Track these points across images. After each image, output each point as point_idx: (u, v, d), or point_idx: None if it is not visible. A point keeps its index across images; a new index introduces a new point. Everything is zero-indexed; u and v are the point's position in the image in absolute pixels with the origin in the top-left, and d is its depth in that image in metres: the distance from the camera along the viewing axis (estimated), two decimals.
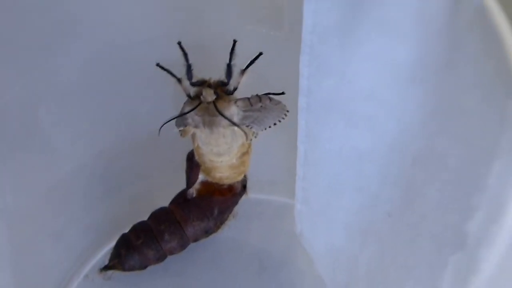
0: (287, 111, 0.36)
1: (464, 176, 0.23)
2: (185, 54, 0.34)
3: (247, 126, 0.36)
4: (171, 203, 0.41)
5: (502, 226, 0.20)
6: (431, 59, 0.25)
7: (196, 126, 0.35)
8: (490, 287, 0.21)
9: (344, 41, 0.29)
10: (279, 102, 0.36)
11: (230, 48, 0.34)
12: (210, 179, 0.39)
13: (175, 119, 0.36)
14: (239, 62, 0.34)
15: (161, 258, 0.41)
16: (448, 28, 0.24)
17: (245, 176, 0.40)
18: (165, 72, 0.35)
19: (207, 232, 0.41)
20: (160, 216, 0.41)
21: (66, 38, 0.36)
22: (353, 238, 0.35)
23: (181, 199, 0.41)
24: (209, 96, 0.34)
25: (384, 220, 0.31)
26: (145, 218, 0.41)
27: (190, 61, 0.34)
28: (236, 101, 0.35)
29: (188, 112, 0.35)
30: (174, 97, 0.36)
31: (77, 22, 0.36)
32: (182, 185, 0.41)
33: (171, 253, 0.41)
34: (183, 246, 0.41)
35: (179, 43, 0.34)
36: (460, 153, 0.24)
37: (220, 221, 0.41)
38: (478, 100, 0.22)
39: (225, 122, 0.35)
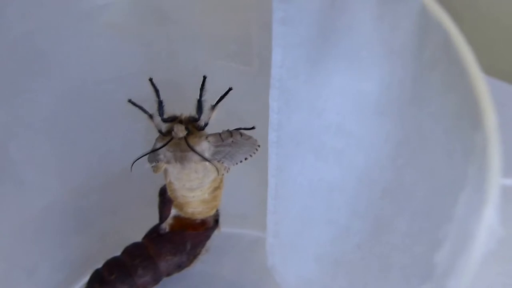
0: (258, 145, 0.37)
1: (431, 207, 0.24)
2: (156, 91, 0.35)
3: (219, 161, 0.36)
4: (144, 238, 0.41)
5: (469, 256, 0.20)
6: (397, 92, 0.26)
7: (168, 162, 0.36)
8: None
9: (313, 75, 0.29)
10: (250, 137, 0.37)
11: (200, 84, 0.35)
12: (182, 214, 0.40)
13: (148, 155, 0.36)
14: (210, 97, 0.35)
15: None
16: (413, 61, 0.24)
17: (217, 211, 0.41)
18: (136, 108, 0.35)
19: (180, 266, 0.41)
20: (133, 251, 0.41)
21: (36, 74, 0.36)
22: (325, 270, 0.35)
23: (154, 234, 0.41)
24: (180, 132, 0.35)
25: (354, 252, 0.32)
26: (118, 253, 0.41)
27: (162, 97, 0.35)
28: (207, 136, 0.36)
29: (159, 148, 0.35)
30: (146, 133, 0.37)
31: (47, 58, 0.36)
32: (155, 220, 0.41)
33: (145, 287, 0.41)
34: (156, 280, 0.41)
35: (151, 80, 0.35)
36: (427, 184, 0.24)
37: (193, 256, 0.41)
38: (444, 132, 0.23)
39: (196, 157, 0.35)
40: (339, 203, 0.32)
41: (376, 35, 0.26)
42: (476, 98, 0.20)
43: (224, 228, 0.42)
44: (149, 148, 0.36)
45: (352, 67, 0.27)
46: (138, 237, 0.42)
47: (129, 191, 0.42)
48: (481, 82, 0.21)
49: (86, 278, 0.41)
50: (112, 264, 0.41)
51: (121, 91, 0.35)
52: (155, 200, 0.40)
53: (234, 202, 0.41)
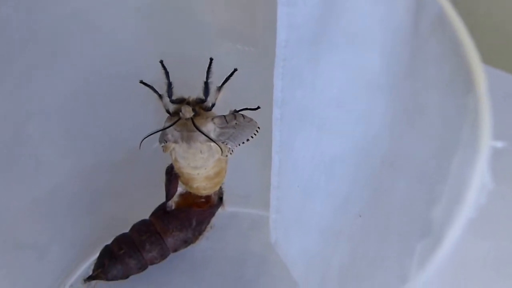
0: (258, 127, 0.39)
1: (428, 170, 0.26)
2: (166, 73, 0.37)
3: (223, 143, 0.38)
4: (151, 215, 0.43)
5: (463, 206, 0.22)
6: (396, 66, 0.28)
7: (175, 141, 0.38)
8: (450, 263, 0.24)
9: (315, 53, 0.31)
10: (251, 120, 0.39)
11: (206, 66, 0.36)
12: (188, 189, 0.41)
13: (159, 136, 0.38)
14: (216, 79, 0.37)
15: (142, 267, 0.42)
16: (410, 36, 0.26)
17: (221, 189, 0.43)
18: (146, 90, 0.37)
19: (186, 242, 0.43)
20: (141, 228, 0.43)
21: (54, 59, 0.38)
22: (326, 242, 0.37)
23: (160, 211, 0.43)
24: (187, 113, 0.37)
25: (355, 220, 0.33)
26: (127, 231, 0.43)
27: (171, 80, 0.37)
28: (213, 118, 0.38)
29: (167, 127, 0.37)
30: (155, 116, 0.39)
31: (63, 43, 0.38)
32: (161, 199, 0.43)
33: (152, 262, 0.43)
34: (163, 256, 0.43)
35: (161, 62, 0.36)
36: (424, 149, 0.26)
37: (198, 232, 0.43)
38: (439, 99, 0.25)
39: (202, 137, 0.37)
40: (340, 174, 0.34)
41: (375, 14, 0.27)
42: (469, 64, 0.22)
43: (227, 208, 0.44)
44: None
45: (353, 45, 0.29)
46: (145, 216, 0.43)
47: (138, 172, 0.44)
48: (473, 50, 0.23)
49: (96, 255, 0.43)
50: (121, 240, 0.42)
51: (131, 75, 0.37)
52: (161, 180, 0.42)
53: (236, 182, 0.43)
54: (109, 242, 0.43)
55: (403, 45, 0.27)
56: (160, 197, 0.43)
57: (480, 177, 0.21)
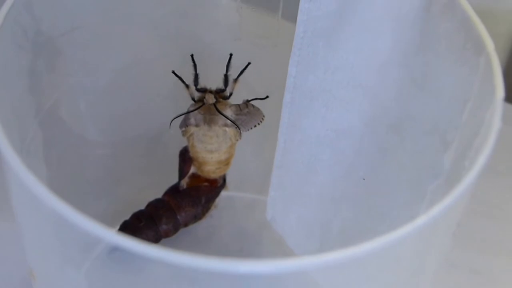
0: (264, 116, 0.46)
1: (439, 123, 0.33)
2: (195, 65, 0.44)
3: (236, 128, 0.45)
4: (164, 194, 0.49)
5: (476, 146, 0.28)
6: (406, 45, 0.34)
7: (197, 125, 0.44)
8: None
9: (330, 41, 0.37)
10: (258, 109, 0.46)
11: (226, 61, 0.44)
12: (199, 172, 0.48)
13: (180, 122, 0.44)
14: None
15: (158, 239, 0.48)
16: (421, 19, 0.33)
17: (224, 174, 0.50)
18: (175, 79, 0.44)
19: (196, 217, 0.49)
20: (157, 204, 0.48)
21: (101, 52, 0.44)
22: (326, 208, 0.43)
23: (173, 190, 0.49)
24: (210, 99, 0.44)
25: (359, 184, 0.40)
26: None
27: (198, 71, 0.44)
28: (230, 106, 0.45)
29: (193, 111, 0.44)
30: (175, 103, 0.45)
31: (110, 39, 0.44)
32: (171, 183, 0.49)
33: (167, 235, 0.48)
34: (176, 229, 0.48)
35: (191, 56, 0.43)
36: (434, 107, 0.33)
37: (206, 209, 0.50)
38: (451, 64, 0.32)
39: (221, 121, 0.44)
40: (345, 146, 0.40)
41: (388, 3, 0.34)
42: (478, 32, 0.30)
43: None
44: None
45: (367, 32, 0.36)
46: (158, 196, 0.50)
47: (158, 155, 0.50)
48: (480, 23, 0.30)
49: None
50: (140, 215, 0.48)
51: (159, 69, 0.44)
52: (172, 166, 0.49)
53: (232, 169, 0.50)
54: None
55: (413, 27, 0.34)
56: (173, 180, 0.49)
57: (496, 119, 0.27)
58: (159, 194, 0.50)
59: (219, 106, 0.44)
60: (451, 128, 0.32)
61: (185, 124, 0.45)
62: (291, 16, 0.39)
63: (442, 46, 0.33)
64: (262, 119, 0.46)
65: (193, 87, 0.44)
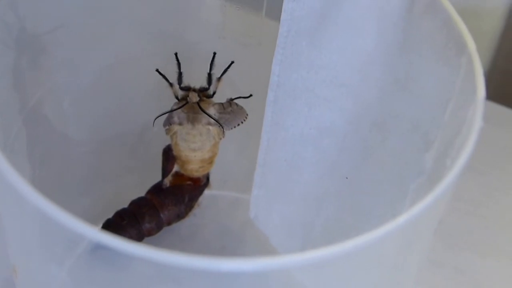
0: (247, 115, 0.46)
1: (421, 122, 0.33)
2: (179, 64, 0.44)
3: (219, 127, 0.45)
4: (147, 193, 0.49)
5: (457, 144, 0.29)
6: (389, 45, 0.35)
7: (180, 123, 0.44)
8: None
9: (314, 40, 0.38)
10: (242, 108, 0.46)
11: (209, 59, 0.44)
12: (182, 171, 0.48)
13: (163, 120, 0.45)
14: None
15: (140, 238, 0.48)
16: (403, 19, 0.34)
17: (208, 173, 0.50)
18: (159, 78, 0.44)
19: (179, 216, 0.49)
20: (140, 203, 0.48)
21: (85, 50, 0.44)
22: (309, 206, 0.43)
23: (156, 188, 0.49)
24: (194, 98, 0.44)
25: (342, 182, 0.40)
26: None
27: (182, 70, 0.44)
28: (213, 104, 0.45)
29: (177, 109, 0.44)
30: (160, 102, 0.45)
31: (94, 37, 0.44)
32: (154, 181, 0.49)
33: (150, 234, 0.48)
34: (159, 228, 0.48)
35: (176, 54, 0.43)
36: (416, 106, 0.33)
37: (189, 207, 0.49)
38: (433, 64, 0.32)
39: (204, 120, 0.44)
40: (328, 144, 0.40)
41: (372, 2, 0.35)
42: (460, 32, 0.30)
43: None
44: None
45: (351, 31, 0.36)
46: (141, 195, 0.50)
47: (141, 153, 0.50)
48: (461, 22, 0.30)
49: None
50: (122, 213, 0.48)
51: (145, 67, 0.44)
52: (155, 164, 0.49)
53: (215, 168, 0.50)
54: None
55: (396, 27, 0.34)
56: (156, 179, 0.49)
57: (478, 118, 0.28)
58: (142, 193, 0.49)
59: (202, 105, 0.44)
60: (433, 127, 0.32)
61: (168, 123, 0.45)
62: (275, 14, 0.39)
63: (425, 46, 0.33)
64: (246, 117, 0.46)
65: (176, 86, 0.44)
